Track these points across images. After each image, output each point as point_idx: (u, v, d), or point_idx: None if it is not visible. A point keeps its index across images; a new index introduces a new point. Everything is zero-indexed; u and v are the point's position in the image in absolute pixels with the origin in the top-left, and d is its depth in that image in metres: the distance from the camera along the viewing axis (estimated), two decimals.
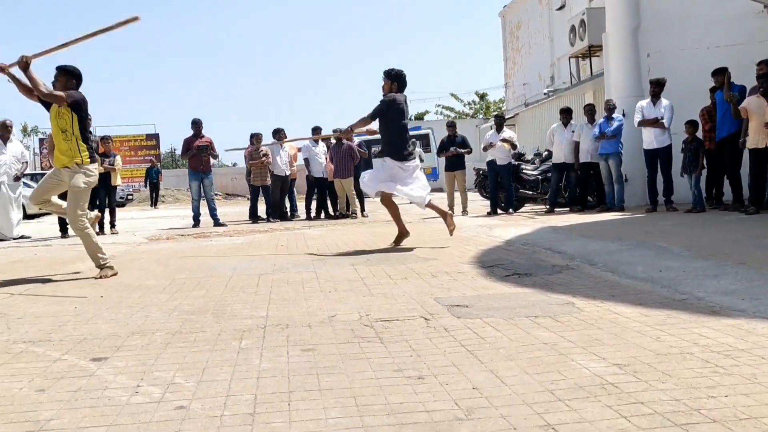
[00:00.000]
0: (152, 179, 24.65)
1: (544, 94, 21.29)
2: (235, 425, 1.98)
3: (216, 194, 16.22)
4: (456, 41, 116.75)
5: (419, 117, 41.92)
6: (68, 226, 9.87)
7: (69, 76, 5.38)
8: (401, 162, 6.52)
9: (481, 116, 36.83)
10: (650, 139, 9.61)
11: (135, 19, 5.51)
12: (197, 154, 11.17)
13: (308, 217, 12.29)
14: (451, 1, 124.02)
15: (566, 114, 11.01)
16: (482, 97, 40.29)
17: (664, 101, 9.56)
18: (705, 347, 2.63)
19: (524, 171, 11.93)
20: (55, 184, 5.55)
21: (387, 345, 2.85)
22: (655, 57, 10.86)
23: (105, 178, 10.18)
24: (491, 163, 11.10)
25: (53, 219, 9.59)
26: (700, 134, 9.28)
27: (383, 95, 6.54)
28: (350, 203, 12.05)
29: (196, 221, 11.22)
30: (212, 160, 11.59)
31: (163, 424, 2.00)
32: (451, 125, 11.92)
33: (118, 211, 12.39)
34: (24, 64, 5.08)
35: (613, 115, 10.26)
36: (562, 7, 21.40)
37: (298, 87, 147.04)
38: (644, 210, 9.60)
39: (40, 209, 6.49)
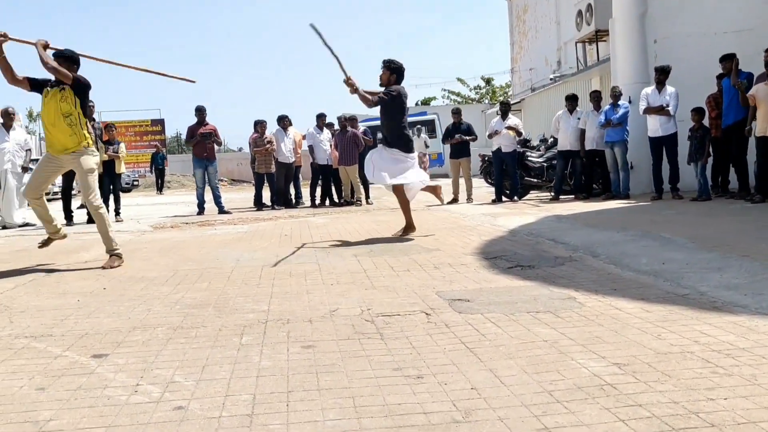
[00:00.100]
0: (158, 165, 24.67)
1: (551, 79, 21.08)
2: (233, 427, 1.99)
3: (221, 180, 16.24)
4: (463, 25, 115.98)
5: (426, 102, 41.74)
6: (73, 214, 9.93)
7: (70, 62, 5.40)
8: (405, 154, 6.53)
9: (487, 101, 36.59)
10: (655, 126, 9.55)
11: (192, 81, 6.51)
12: (201, 142, 11.17)
13: (313, 205, 12.29)
14: None
15: (572, 101, 10.89)
16: (488, 81, 40.02)
17: (669, 88, 9.47)
18: (705, 345, 2.62)
19: (529, 158, 11.85)
20: (53, 171, 5.50)
21: (387, 342, 2.85)
22: (662, 43, 10.74)
23: (109, 165, 10.20)
24: (497, 152, 11.03)
25: (57, 206, 9.60)
26: (706, 122, 9.20)
27: (380, 84, 6.55)
28: (355, 190, 12.04)
29: (201, 209, 11.22)
30: (216, 147, 11.58)
31: (162, 426, 2.01)
32: (457, 112, 11.86)
33: (124, 197, 12.43)
34: (44, 43, 5.24)
35: (619, 102, 10.19)
36: None
37: (304, 73, 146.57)
38: (649, 198, 9.55)
39: (29, 206, 6.47)
